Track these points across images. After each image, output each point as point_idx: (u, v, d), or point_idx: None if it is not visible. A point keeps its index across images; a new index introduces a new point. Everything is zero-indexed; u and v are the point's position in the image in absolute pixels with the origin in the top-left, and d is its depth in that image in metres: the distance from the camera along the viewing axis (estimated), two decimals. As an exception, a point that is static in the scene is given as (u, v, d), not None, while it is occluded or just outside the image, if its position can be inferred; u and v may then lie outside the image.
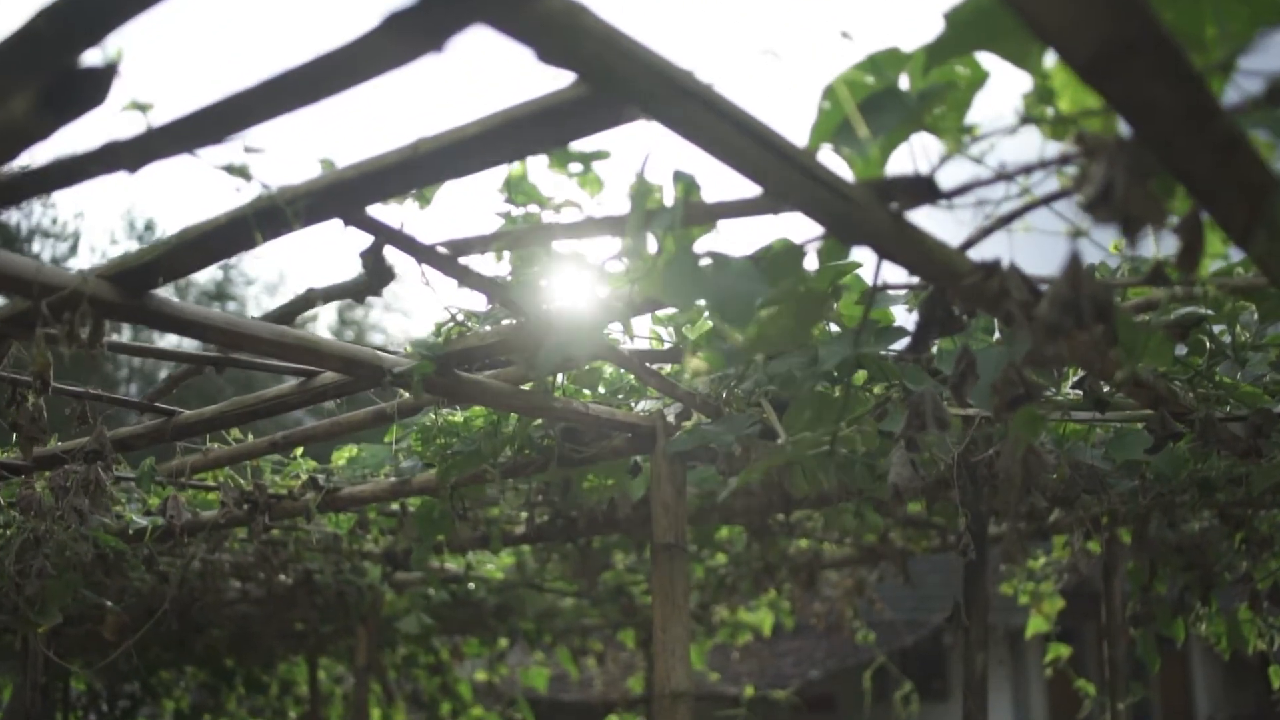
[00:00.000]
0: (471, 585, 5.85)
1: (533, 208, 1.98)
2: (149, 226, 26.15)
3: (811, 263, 1.51)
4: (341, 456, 3.44)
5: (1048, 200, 1.34)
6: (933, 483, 3.74)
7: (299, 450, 3.44)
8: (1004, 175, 1.28)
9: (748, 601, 6.49)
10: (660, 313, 2.24)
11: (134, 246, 21.31)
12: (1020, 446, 1.44)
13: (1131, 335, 1.28)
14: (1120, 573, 4.77)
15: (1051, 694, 12.31)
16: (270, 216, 1.58)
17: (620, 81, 1.04)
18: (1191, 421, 2.22)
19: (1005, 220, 1.40)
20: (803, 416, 1.91)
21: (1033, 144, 1.37)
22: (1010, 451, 1.45)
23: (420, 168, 1.47)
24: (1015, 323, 1.40)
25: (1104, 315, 1.08)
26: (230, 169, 1.58)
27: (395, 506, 3.78)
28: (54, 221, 21.37)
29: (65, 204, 22.44)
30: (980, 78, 1.30)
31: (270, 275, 23.28)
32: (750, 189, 1.47)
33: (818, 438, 1.70)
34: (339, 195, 1.55)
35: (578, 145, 1.58)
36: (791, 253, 1.46)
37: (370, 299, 2.10)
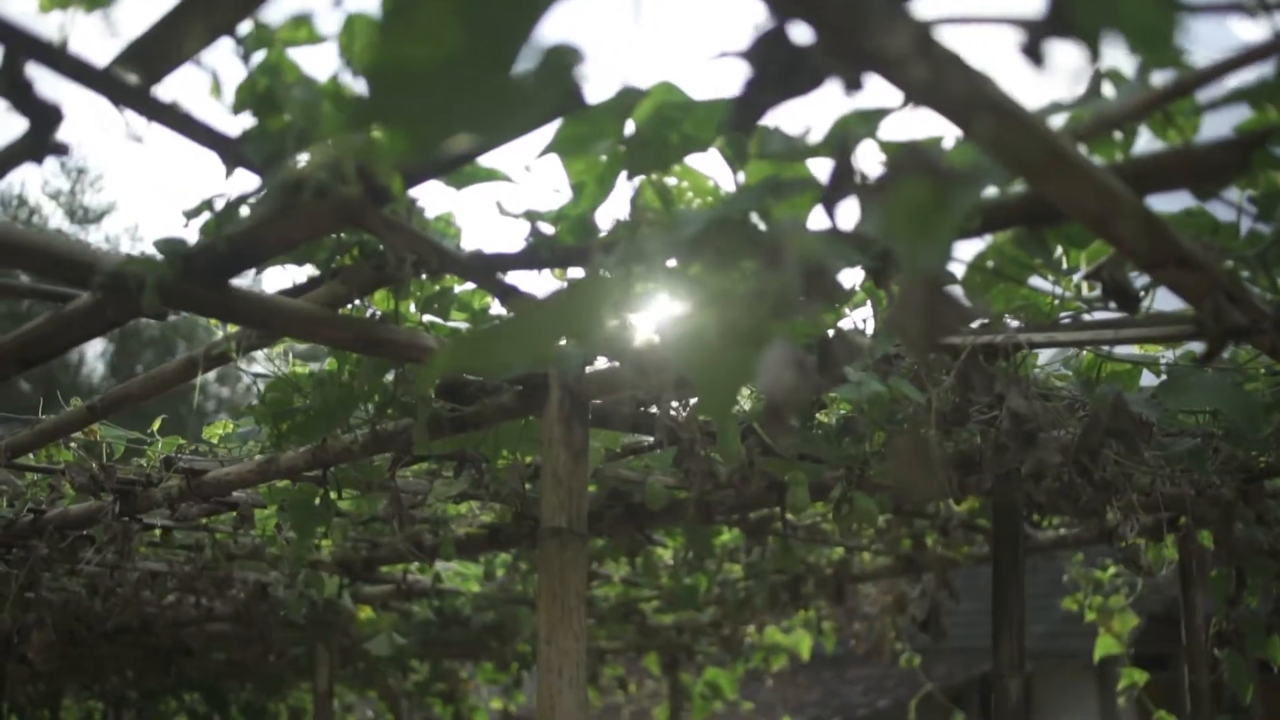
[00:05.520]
0: (459, 602, 5.20)
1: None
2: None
3: None
4: (214, 433, 2.82)
5: None
6: (957, 463, 3.00)
7: (155, 425, 2.84)
8: None
9: (777, 620, 5.73)
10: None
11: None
12: (915, 267, 0.75)
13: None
14: (1202, 583, 3.98)
15: (1144, 726, 11.26)
16: None
17: None
18: (1261, 328, 1.50)
19: None
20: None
21: None
22: (903, 282, 0.78)
23: None
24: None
25: None
26: None
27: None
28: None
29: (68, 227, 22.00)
30: None
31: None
32: None
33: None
34: None
35: None
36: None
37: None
